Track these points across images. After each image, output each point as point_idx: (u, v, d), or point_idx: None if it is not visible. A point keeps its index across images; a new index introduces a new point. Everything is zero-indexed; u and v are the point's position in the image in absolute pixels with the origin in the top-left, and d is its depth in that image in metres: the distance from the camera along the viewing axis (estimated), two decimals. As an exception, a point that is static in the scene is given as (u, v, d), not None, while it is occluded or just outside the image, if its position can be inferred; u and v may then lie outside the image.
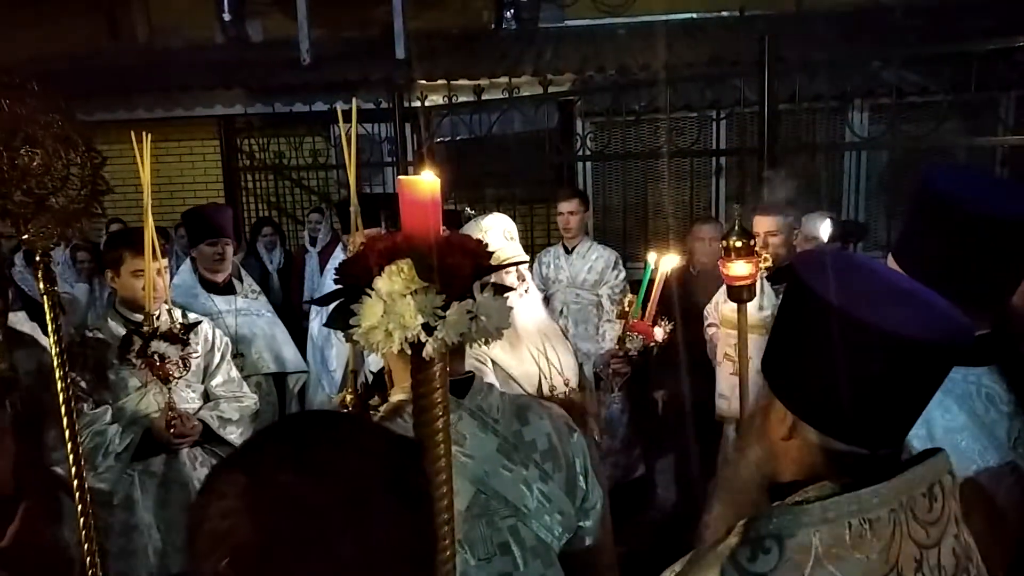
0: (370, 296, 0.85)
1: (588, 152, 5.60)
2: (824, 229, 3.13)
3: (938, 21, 6.51)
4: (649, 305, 2.61)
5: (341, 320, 0.88)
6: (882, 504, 0.99)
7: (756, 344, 3.01)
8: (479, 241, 0.92)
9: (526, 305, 2.43)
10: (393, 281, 0.84)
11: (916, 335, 0.97)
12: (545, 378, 2.47)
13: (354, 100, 2.13)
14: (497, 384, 2.15)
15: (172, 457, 2.90)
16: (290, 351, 4.07)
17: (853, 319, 0.97)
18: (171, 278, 3.85)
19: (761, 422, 1.14)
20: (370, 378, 2.54)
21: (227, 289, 3.90)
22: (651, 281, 2.58)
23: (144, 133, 2.57)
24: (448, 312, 0.85)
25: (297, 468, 0.70)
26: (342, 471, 0.71)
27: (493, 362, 2.34)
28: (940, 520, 1.03)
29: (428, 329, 0.84)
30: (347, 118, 2.43)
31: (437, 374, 0.91)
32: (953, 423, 1.45)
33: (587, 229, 4.65)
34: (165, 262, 2.97)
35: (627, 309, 2.67)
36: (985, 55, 3.37)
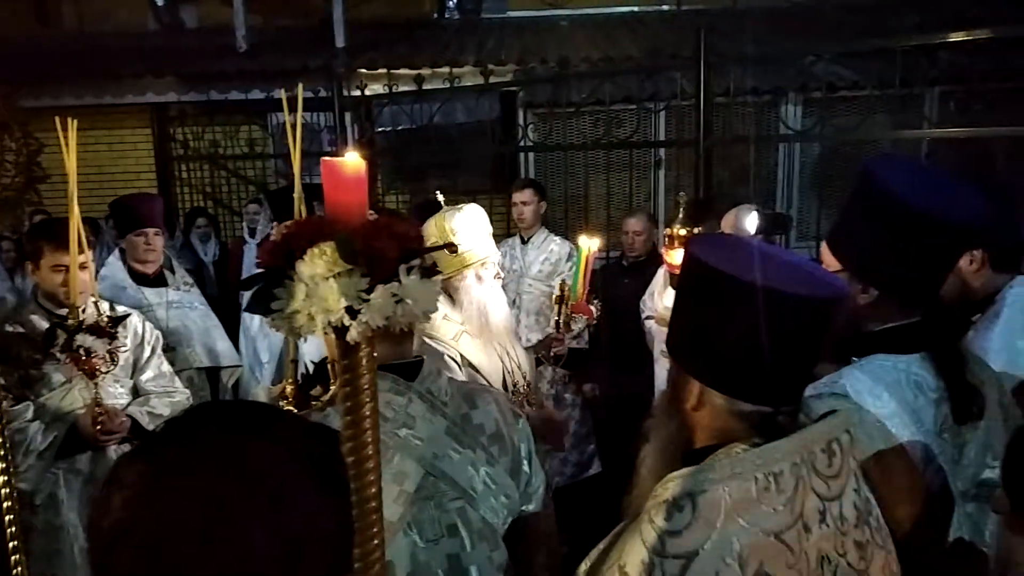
0: (292, 280, 0.84)
1: (530, 143, 5.61)
2: (750, 221, 3.19)
3: (867, 18, 6.72)
4: (580, 286, 2.66)
5: (262, 305, 0.87)
6: (784, 458, 1.06)
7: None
8: (409, 224, 0.91)
9: (499, 301, 2.45)
10: (315, 264, 0.83)
11: (801, 292, 1.06)
12: (508, 373, 2.49)
13: (299, 85, 2.08)
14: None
15: (99, 455, 2.79)
16: (224, 344, 3.96)
17: (743, 283, 1.06)
18: (98, 271, 3.72)
19: (672, 397, 1.21)
20: (311, 368, 2.51)
21: (158, 281, 3.77)
22: (585, 263, 2.64)
23: (70, 120, 2.47)
24: (372, 295, 0.84)
25: (201, 456, 0.68)
26: (250, 459, 0.69)
27: (463, 357, 2.35)
28: (840, 475, 1.10)
29: (352, 313, 0.84)
30: (291, 106, 2.38)
31: (364, 359, 0.90)
32: (883, 409, 1.50)
33: (543, 220, 4.65)
34: (91, 254, 2.86)
35: (565, 294, 2.71)
36: (910, 52, 3.49)
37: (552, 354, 2.88)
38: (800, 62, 4.78)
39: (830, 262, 1.64)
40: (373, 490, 0.96)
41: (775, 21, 7.55)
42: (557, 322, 2.74)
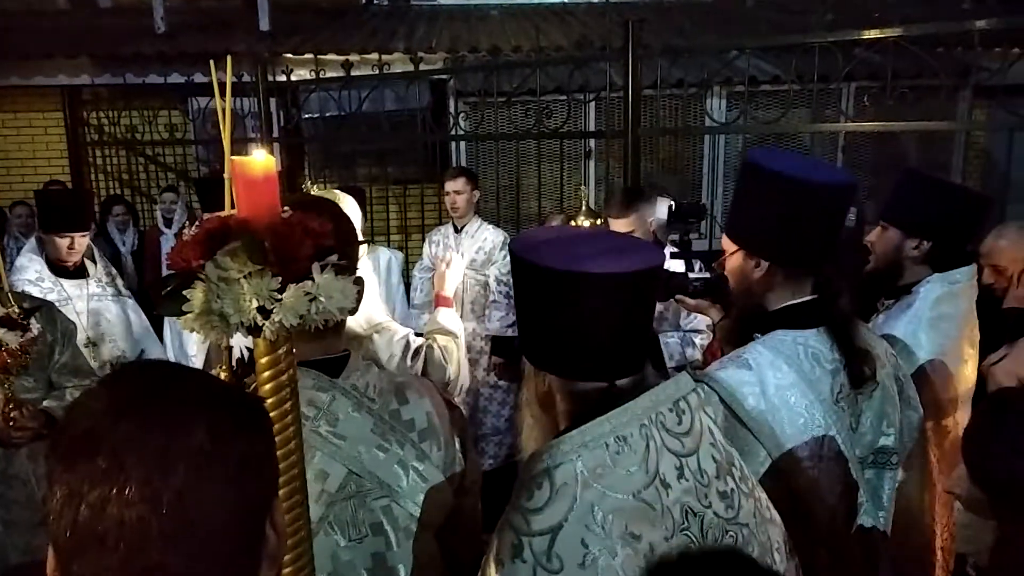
0: (202, 281, 0.82)
1: (461, 132, 5.58)
2: (662, 212, 3.28)
3: (786, 15, 6.92)
4: None
5: (174, 306, 0.84)
6: (631, 421, 1.10)
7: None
8: (322, 221, 0.89)
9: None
10: (224, 265, 0.80)
11: (595, 271, 1.11)
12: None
13: (228, 59, 2.00)
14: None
15: (12, 452, 2.67)
16: (148, 337, 3.85)
17: (546, 269, 1.11)
18: (8, 262, 3.54)
19: (527, 391, 1.27)
20: (246, 355, 2.44)
21: (78, 273, 3.63)
22: None
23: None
24: (285, 295, 0.82)
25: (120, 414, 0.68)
26: (179, 405, 0.70)
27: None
28: (692, 431, 1.15)
29: (264, 312, 0.82)
30: (220, 88, 2.29)
31: (284, 356, 0.89)
32: (783, 381, 1.61)
33: (476, 209, 4.64)
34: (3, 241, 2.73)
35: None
36: (827, 48, 3.61)
37: None
38: (724, 56, 4.88)
39: (727, 247, 1.78)
40: (298, 484, 0.95)
41: (700, 16, 7.70)
42: None
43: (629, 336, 1.17)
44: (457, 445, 1.64)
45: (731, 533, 1.13)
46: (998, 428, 1.43)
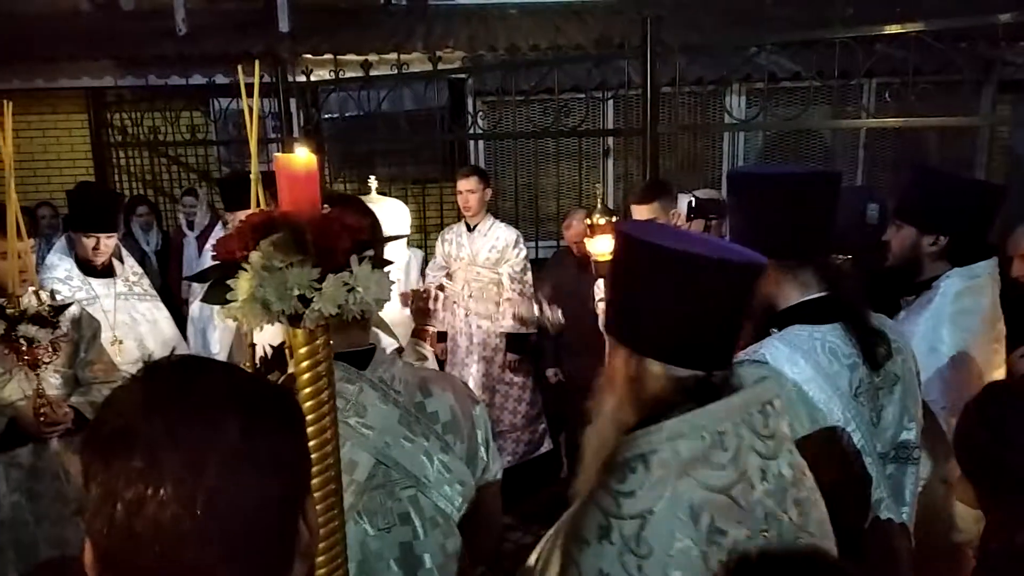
0: (245, 270, 0.84)
1: (479, 131, 5.60)
2: (682, 207, 3.30)
3: (805, 10, 6.87)
4: None
5: (218, 295, 0.87)
6: (727, 417, 1.11)
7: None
8: (358, 217, 0.92)
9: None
10: (268, 255, 0.83)
11: (726, 257, 1.14)
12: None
13: (256, 63, 2.03)
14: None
15: (41, 447, 2.73)
16: (174, 336, 3.90)
17: (672, 252, 1.13)
18: (38, 260, 3.61)
19: (610, 373, 1.26)
20: (269, 353, 2.48)
21: (106, 272, 3.68)
22: None
23: (5, 102, 2.39)
24: (324, 284, 0.84)
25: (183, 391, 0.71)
26: (215, 401, 0.71)
27: None
28: (775, 435, 1.16)
29: (304, 301, 0.84)
30: (248, 90, 2.33)
31: (320, 346, 0.91)
32: (801, 375, 1.62)
33: (488, 207, 4.67)
34: (32, 242, 2.78)
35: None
36: (848, 43, 3.59)
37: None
38: (743, 53, 4.87)
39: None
40: (332, 473, 0.98)
41: (719, 12, 7.67)
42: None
43: (732, 328, 1.20)
44: (479, 439, 1.67)
45: (801, 540, 1.15)
46: (983, 418, 1.43)
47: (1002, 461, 1.36)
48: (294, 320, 0.86)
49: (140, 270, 3.97)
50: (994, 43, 4.71)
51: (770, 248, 1.69)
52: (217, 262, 0.91)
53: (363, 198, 2.45)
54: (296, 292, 0.84)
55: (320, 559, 1.05)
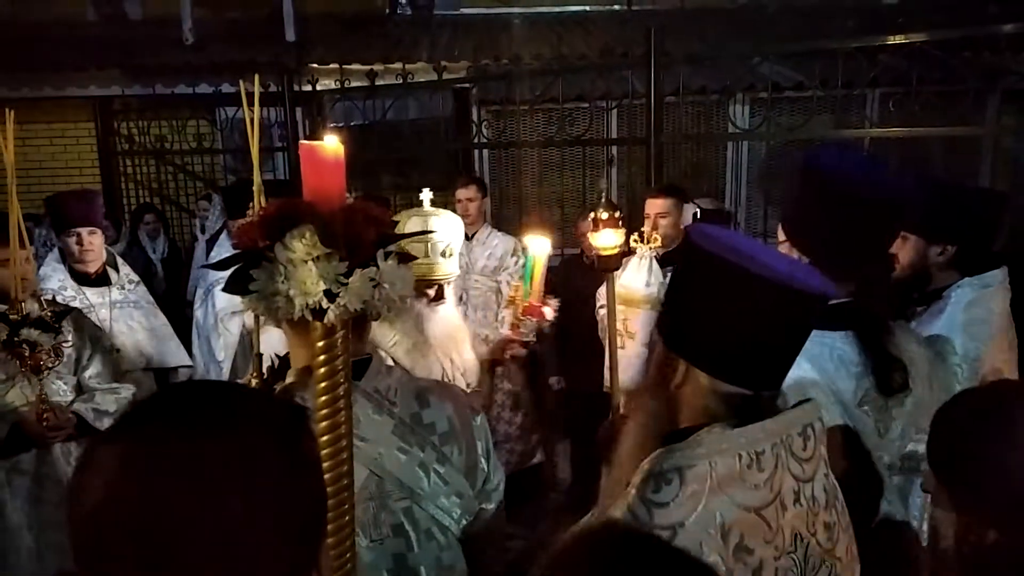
0: (270, 261, 0.85)
1: (484, 140, 5.63)
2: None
3: (809, 21, 6.92)
4: (534, 288, 2.68)
5: (240, 286, 0.87)
6: (766, 438, 1.10)
7: (643, 319, 3.14)
8: (383, 209, 0.92)
9: (440, 316, 2.44)
10: (294, 247, 0.83)
11: (790, 282, 1.11)
12: (448, 378, 2.49)
13: (256, 76, 2.05)
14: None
15: (44, 452, 2.73)
16: (171, 343, 3.85)
17: (743, 271, 1.10)
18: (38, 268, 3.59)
19: (656, 376, 1.24)
20: (276, 362, 2.48)
21: (100, 280, 3.61)
22: (534, 266, 2.66)
23: (7, 109, 2.41)
24: (351, 279, 0.85)
25: (180, 433, 0.69)
26: (227, 433, 0.70)
27: (396, 362, 2.33)
28: (812, 458, 1.16)
29: (330, 296, 0.84)
30: (249, 100, 2.35)
31: (339, 341, 0.91)
32: (803, 378, 1.60)
33: (486, 216, 4.68)
34: (32, 250, 2.79)
35: (516, 295, 2.73)
36: (851, 54, 3.61)
37: (509, 356, 2.89)
38: (747, 63, 4.90)
39: (781, 237, 1.79)
40: (345, 468, 0.98)
41: (722, 22, 7.72)
42: (513, 324, 2.75)
43: (789, 352, 1.18)
44: (479, 450, 1.65)
45: (827, 564, 1.15)
46: (952, 421, 1.44)
47: (972, 465, 1.37)
48: (317, 314, 0.86)
49: (136, 278, 3.88)
50: (998, 53, 4.74)
51: (822, 254, 1.65)
52: (238, 251, 0.91)
53: (419, 211, 2.45)
54: (322, 286, 0.84)
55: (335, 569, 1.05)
